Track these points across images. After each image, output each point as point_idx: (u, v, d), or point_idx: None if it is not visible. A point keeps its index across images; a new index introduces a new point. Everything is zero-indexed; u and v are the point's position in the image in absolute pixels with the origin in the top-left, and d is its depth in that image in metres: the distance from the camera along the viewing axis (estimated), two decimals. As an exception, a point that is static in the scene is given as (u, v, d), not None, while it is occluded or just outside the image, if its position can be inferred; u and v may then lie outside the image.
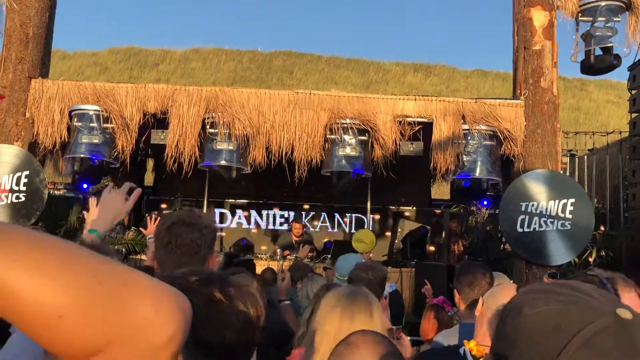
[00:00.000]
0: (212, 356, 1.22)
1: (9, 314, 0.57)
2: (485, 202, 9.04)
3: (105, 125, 7.26)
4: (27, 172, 6.93)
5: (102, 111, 7.24)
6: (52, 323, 0.57)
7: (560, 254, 6.67)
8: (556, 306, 0.76)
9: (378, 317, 1.84)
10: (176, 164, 7.20)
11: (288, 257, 8.34)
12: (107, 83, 7.67)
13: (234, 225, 11.33)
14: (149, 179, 11.99)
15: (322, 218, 11.45)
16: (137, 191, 2.25)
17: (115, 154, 7.39)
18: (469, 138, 7.32)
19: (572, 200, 6.70)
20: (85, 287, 0.59)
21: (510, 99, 7.67)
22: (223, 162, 7.31)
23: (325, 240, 10.22)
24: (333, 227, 11.41)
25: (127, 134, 7.31)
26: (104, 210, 2.22)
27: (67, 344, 0.59)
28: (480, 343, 2.23)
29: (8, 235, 0.57)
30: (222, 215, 11.29)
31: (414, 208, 11.37)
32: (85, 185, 8.21)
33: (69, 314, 0.57)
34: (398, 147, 7.38)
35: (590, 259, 8.41)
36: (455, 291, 2.36)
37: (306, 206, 11.26)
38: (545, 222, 6.71)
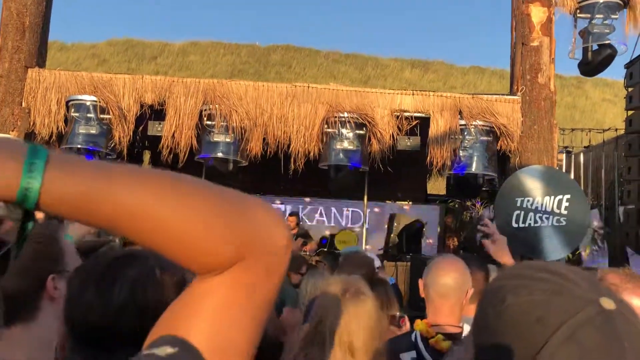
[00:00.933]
0: (92, 339, 1.14)
1: (163, 244, 0.63)
2: (479, 203, 9.09)
3: (102, 116, 7.25)
4: (23, 162, 6.91)
5: (100, 102, 7.23)
6: (198, 242, 0.62)
7: (555, 249, 6.69)
8: (540, 297, 0.75)
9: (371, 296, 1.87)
10: (172, 155, 7.20)
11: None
12: (105, 74, 7.66)
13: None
14: (145, 171, 11.97)
15: (319, 212, 11.46)
16: None
17: (112, 145, 7.38)
18: (465, 133, 7.34)
19: (568, 196, 6.72)
20: (217, 206, 0.64)
21: (507, 94, 7.69)
22: (220, 155, 7.31)
23: (321, 237, 10.23)
24: (330, 221, 11.42)
25: (124, 125, 7.30)
26: None
27: (210, 259, 0.63)
28: (430, 323, 2.24)
29: (151, 176, 0.63)
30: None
31: (410, 203, 11.39)
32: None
33: (211, 231, 0.62)
34: (395, 141, 7.39)
35: (584, 254, 8.46)
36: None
37: (306, 199, 11.27)
38: (540, 217, 6.74)
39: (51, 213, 0.61)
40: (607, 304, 0.73)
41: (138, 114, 7.34)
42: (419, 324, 2.24)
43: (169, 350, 0.59)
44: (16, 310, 1.27)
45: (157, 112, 7.40)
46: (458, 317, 2.32)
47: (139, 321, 1.04)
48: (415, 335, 2.21)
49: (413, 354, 2.12)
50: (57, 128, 7.32)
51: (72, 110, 7.29)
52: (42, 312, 1.34)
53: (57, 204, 0.59)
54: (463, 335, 2.22)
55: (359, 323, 1.69)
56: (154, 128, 7.31)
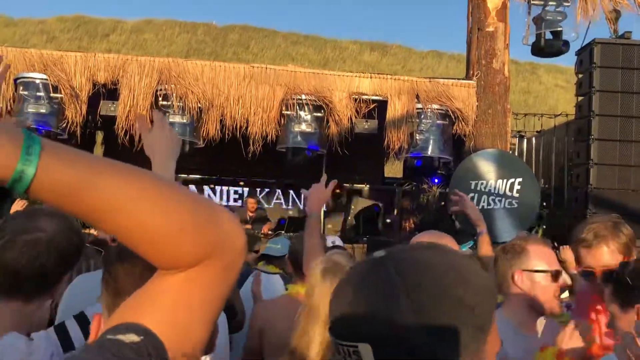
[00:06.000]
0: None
1: (138, 240, 0.66)
2: (436, 180, 9.22)
3: (53, 95, 7.01)
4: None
5: (50, 80, 6.99)
6: (172, 238, 0.66)
7: (507, 231, 6.89)
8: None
9: None
10: (127, 137, 7.04)
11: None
12: (55, 51, 7.40)
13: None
14: (97, 152, 11.69)
15: (276, 194, 11.43)
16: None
17: (64, 125, 7.16)
18: (422, 117, 7.43)
19: (520, 179, 6.91)
20: (192, 207, 0.68)
21: (463, 79, 7.80)
22: (176, 136, 7.20)
23: (279, 217, 10.23)
24: (288, 204, 11.42)
25: (77, 104, 7.09)
26: None
27: (181, 257, 0.67)
28: None
29: (136, 174, 0.66)
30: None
31: (367, 186, 11.49)
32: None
33: (185, 231, 0.66)
34: (353, 124, 7.42)
35: (539, 235, 8.71)
36: None
37: (263, 182, 11.22)
38: (493, 200, 6.91)
39: (36, 198, 0.63)
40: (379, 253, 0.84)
41: (91, 93, 7.14)
42: None
43: (134, 337, 0.61)
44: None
45: (111, 92, 7.21)
46: None
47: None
48: None
49: None
50: (7, 107, 7.05)
51: (21, 88, 7.03)
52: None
53: (47, 191, 0.61)
54: None
55: None
56: (106, 107, 7.12)
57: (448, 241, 2.45)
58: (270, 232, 8.25)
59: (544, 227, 8.83)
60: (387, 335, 0.76)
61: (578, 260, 2.28)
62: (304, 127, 7.33)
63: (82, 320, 1.48)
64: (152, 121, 1.74)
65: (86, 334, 1.44)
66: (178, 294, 0.69)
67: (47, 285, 1.49)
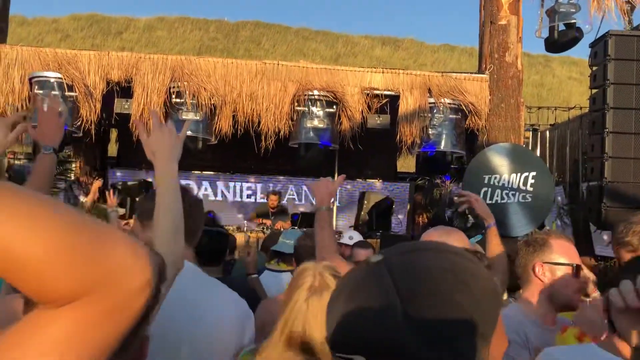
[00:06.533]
0: None
1: (10, 267, 0.59)
2: (448, 178, 9.20)
3: (67, 93, 7.08)
4: (-15, 141, 6.73)
5: (65, 79, 7.05)
6: (38, 268, 0.59)
7: (521, 225, 6.86)
8: None
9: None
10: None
11: (261, 225, 8.38)
12: (69, 50, 7.46)
13: (200, 197, 11.24)
14: (112, 149, 11.79)
15: (289, 190, 11.46)
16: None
17: (78, 123, 7.23)
18: (434, 111, 7.40)
19: (534, 173, 6.87)
20: (68, 233, 0.61)
21: (475, 73, 7.76)
22: (188, 133, 7.23)
23: (292, 213, 10.25)
24: (300, 200, 11.44)
25: (91, 102, 7.15)
26: (46, 123, 2.12)
27: (52, 289, 0.61)
28: None
29: (10, 199, 0.60)
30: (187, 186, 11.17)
31: (380, 181, 11.48)
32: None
33: (55, 259, 0.59)
34: (365, 119, 7.42)
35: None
36: None
37: (276, 178, 11.26)
38: (507, 194, 6.88)
39: None
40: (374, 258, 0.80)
41: (105, 91, 7.20)
42: None
43: None
44: None
45: (125, 90, 7.27)
46: None
47: None
48: None
49: None
50: (23, 107, 7.13)
51: (36, 87, 7.10)
52: None
53: None
54: None
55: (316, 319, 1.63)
56: (120, 105, 7.18)
57: (457, 236, 2.46)
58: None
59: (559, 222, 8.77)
60: (382, 347, 0.72)
61: (620, 263, 2.26)
62: (316, 122, 7.33)
63: None
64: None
65: None
66: (55, 331, 0.62)
67: None
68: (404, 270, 0.77)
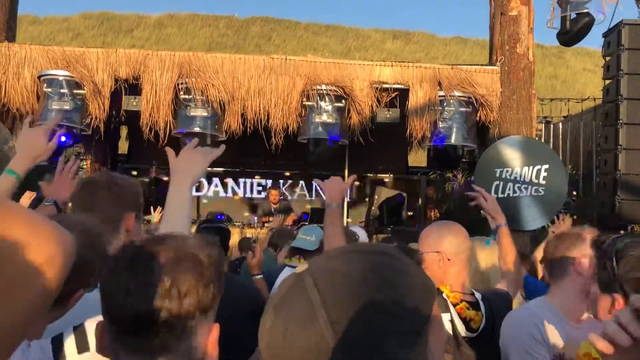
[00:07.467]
0: None
1: None
2: (457, 175, 9.11)
3: (76, 91, 7.09)
4: (-5, 140, 6.76)
5: (73, 77, 7.06)
6: None
7: (533, 219, 6.76)
8: None
9: None
10: (152, 132, 7.09)
11: (266, 224, 8.34)
12: (77, 48, 7.45)
13: (210, 193, 11.26)
14: (123, 146, 11.82)
15: (300, 186, 11.44)
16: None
17: (88, 121, 7.23)
18: (445, 104, 7.31)
19: (546, 166, 6.76)
20: None
21: (486, 65, 7.66)
22: (197, 129, 7.19)
23: (302, 211, 10.21)
24: (311, 195, 11.41)
25: (100, 100, 7.15)
26: (23, 147, 2.10)
27: None
28: (453, 289, 2.29)
29: None
30: (198, 183, 11.18)
31: (391, 175, 11.41)
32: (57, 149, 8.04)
33: None
34: (374, 113, 7.35)
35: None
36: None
37: (286, 174, 11.23)
38: (519, 188, 6.78)
39: None
40: (300, 269, 0.80)
41: (113, 88, 7.19)
42: (443, 288, 2.27)
43: None
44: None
45: (133, 87, 7.26)
46: (463, 283, 2.37)
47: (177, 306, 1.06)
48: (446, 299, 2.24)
49: (448, 316, 2.13)
50: (32, 105, 7.17)
51: (45, 85, 7.11)
52: None
53: None
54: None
55: None
56: (129, 103, 7.17)
57: (457, 230, 2.43)
58: (293, 224, 8.25)
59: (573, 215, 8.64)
60: (308, 359, 0.70)
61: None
62: (325, 117, 7.27)
63: (81, 333, 1.45)
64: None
65: (81, 347, 1.43)
66: None
67: (59, 299, 1.47)
68: (327, 277, 0.75)
